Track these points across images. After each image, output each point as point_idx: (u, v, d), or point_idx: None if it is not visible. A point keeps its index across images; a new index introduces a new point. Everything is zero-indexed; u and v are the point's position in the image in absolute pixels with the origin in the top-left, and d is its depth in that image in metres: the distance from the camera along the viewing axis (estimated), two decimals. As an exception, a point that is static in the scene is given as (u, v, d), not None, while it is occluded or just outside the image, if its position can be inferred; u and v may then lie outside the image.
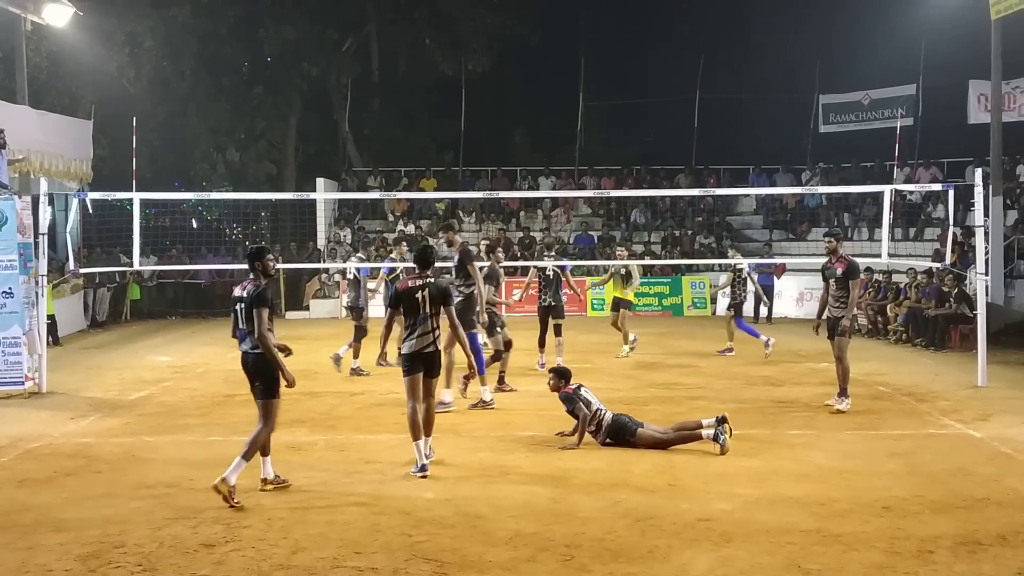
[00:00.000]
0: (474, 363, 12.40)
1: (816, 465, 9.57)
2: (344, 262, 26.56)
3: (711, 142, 32.97)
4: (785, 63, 34.54)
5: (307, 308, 27.35)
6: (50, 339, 19.75)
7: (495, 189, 29.42)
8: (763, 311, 24.46)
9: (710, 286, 26.89)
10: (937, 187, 20.27)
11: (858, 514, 7.93)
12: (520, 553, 7.11)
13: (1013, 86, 25.58)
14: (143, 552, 7.19)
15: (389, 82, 38.67)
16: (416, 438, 9.29)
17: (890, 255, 18.45)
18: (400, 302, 9.49)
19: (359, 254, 18.41)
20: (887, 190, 17.48)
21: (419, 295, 9.35)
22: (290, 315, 26.93)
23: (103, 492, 8.82)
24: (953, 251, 18.61)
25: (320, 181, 30.52)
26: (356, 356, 15.86)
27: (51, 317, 20.19)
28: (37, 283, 14.53)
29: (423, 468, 9.16)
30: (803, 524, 7.67)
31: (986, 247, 16.41)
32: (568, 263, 17.27)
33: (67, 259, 17.33)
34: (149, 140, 27.73)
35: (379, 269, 17.38)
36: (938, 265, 18.60)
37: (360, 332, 16.04)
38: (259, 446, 8.73)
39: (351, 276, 16.67)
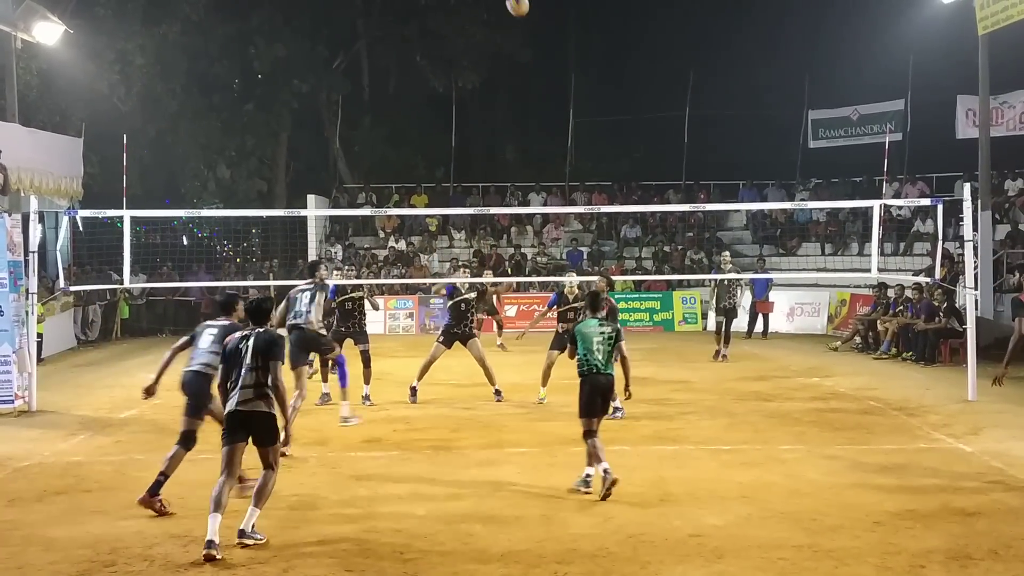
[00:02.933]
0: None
1: (807, 480, 9.58)
2: (337, 279, 26.60)
3: (701, 158, 33.04)
4: (774, 79, 34.66)
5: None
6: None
7: (486, 205, 29.44)
8: (759, 326, 24.52)
9: (701, 301, 26.92)
10: (926, 202, 20.34)
11: (849, 529, 7.94)
12: (512, 570, 7.10)
13: (1001, 101, 25.69)
14: (133, 571, 7.17)
15: (380, 99, 38.73)
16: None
17: (880, 270, 18.50)
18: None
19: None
20: (876, 205, 17.55)
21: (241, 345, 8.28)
22: (281, 332, 26.80)
23: (93, 511, 8.79)
24: (943, 265, 18.65)
25: (311, 198, 30.50)
26: (325, 380, 14.93)
27: (39, 336, 20.23)
28: (27, 300, 14.48)
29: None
30: (795, 539, 7.68)
31: (975, 261, 16.47)
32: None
33: (57, 277, 17.29)
34: (139, 157, 27.67)
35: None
36: (927, 280, 18.65)
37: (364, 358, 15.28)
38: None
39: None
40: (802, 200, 28.67)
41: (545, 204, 31.41)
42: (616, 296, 24.94)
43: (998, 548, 7.44)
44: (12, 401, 13.98)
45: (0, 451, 11.38)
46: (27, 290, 14.46)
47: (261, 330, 8.35)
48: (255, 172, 32.92)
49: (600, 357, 9.44)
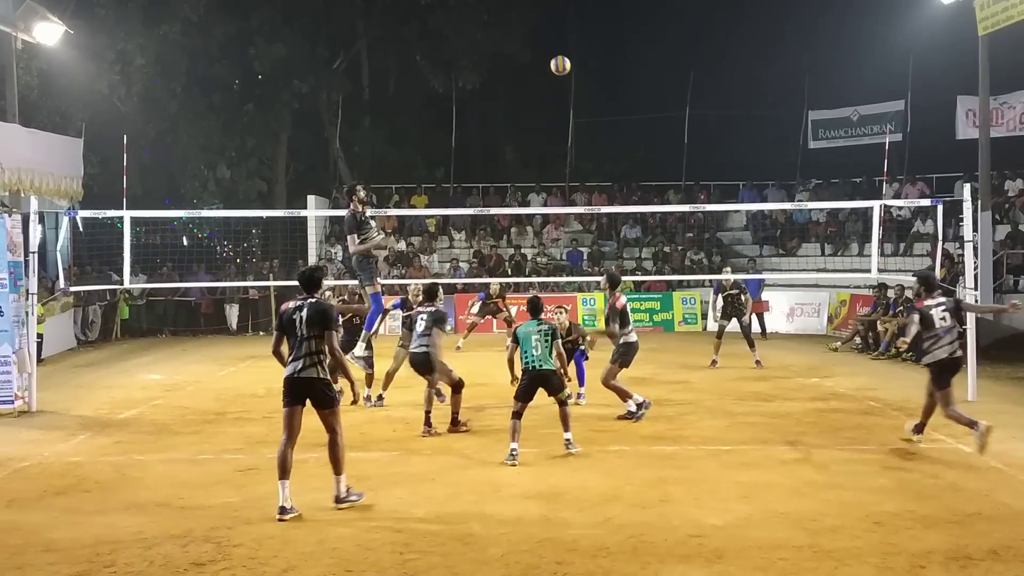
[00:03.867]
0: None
1: (807, 481, 9.58)
2: (335, 279, 26.61)
3: (701, 158, 33.06)
4: (774, 80, 34.69)
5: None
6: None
7: (486, 206, 29.45)
8: (755, 327, 24.50)
9: (701, 302, 26.92)
10: (926, 202, 20.33)
11: (849, 529, 7.94)
12: (512, 571, 7.10)
13: (1001, 102, 25.71)
14: (133, 571, 7.17)
15: (380, 99, 38.74)
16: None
17: (880, 270, 18.49)
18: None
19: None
20: (876, 205, 17.53)
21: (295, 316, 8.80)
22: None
23: (93, 511, 8.78)
24: (943, 266, 18.65)
25: (311, 198, 30.53)
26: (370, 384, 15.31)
27: (39, 336, 20.25)
28: (27, 301, 14.48)
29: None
30: (795, 540, 7.68)
31: (975, 262, 16.47)
32: None
33: (57, 277, 17.28)
34: (140, 158, 27.71)
35: None
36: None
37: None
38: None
39: None
40: (802, 201, 28.68)
41: (545, 204, 31.42)
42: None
43: (998, 548, 7.44)
44: (12, 401, 13.99)
45: (0, 451, 11.38)
46: (27, 290, 14.47)
47: (313, 300, 8.84)
48: (255, 172, 32.92)
49: (538, 353, 10.78)
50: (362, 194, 13.45)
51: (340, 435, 8.82)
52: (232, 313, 27.62)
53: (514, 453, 10.46)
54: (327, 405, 8.78)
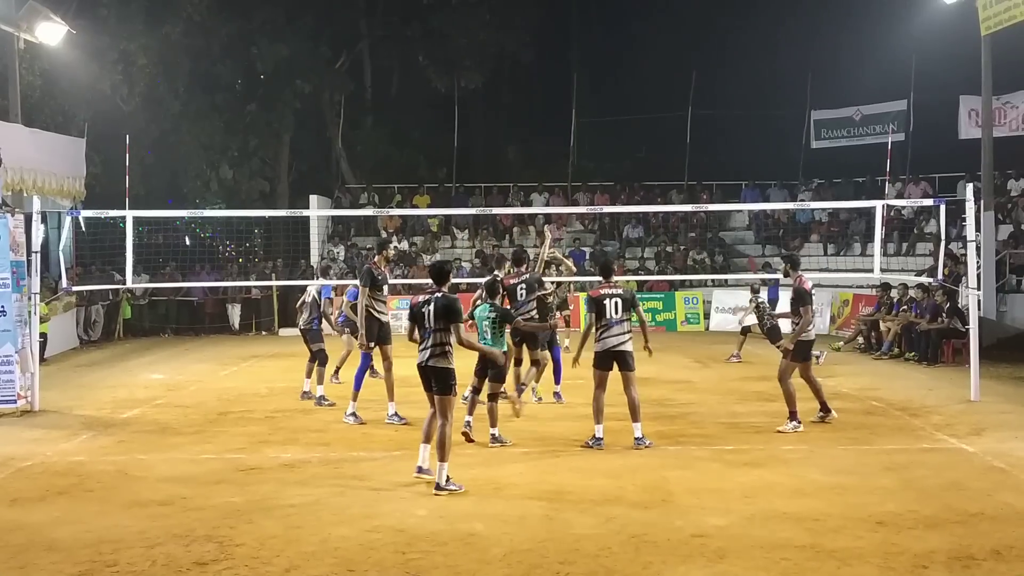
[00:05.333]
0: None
1: (810, 480, 9.57)
2: (338, 279, 26.62)
3: (704, 158, 33.06)
4: (777, 79, 34.69)
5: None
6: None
7: (488, 205, 29.45)
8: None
9: (703, 301, 26.92)
10: (928, 202, 20.32)
11: (852, 529, 7.93)
12: (514, 570, 7.09)
13: (1004, 101, 25.71)
14: (136, 571, 7.17)
15: (382, 99, 38.76)
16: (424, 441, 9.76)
17: (882, 270, 18.48)
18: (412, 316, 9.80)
19: (322, 277, 17.58)
20: (879, 205, 17.52)
21: (424, 309, 9.50)
22: (284, 332, 26.88)
23: (96, 511, 8.79)
24: (945, 266, 18.65)
25: (313, 198, 30.54)
26: (321, 382, 14.79)
27: (43, 335, 20.28)
28: (30, 300, 14.49)
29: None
30: (797, 540, 7.67)
31: (978, 262, 16.46)
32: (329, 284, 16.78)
33: (60, 277, 17.29)
34: (142, 158, 27.72)
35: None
36: (930, 280, 18.63)
37: (321, 356, 14.85)
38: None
39: (310, 299, 15.38)
40: (804, 200, 28.67)
41: (547, 204, 31.42)
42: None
43: (1001, 548, 7.43)
44: (15, 401, 14.00)
45: (3, 451, 11.39)
46: (29, 290, 14.48)
47: (439, 295, 9.49)
48: (257, 172, 32.94)
49: (488, 337, 11.07)
50: (391, 252, 13.32)
51: (449, 424, 9.31)
52: (234, 313, 27.63)
53: (469, 422, 11.49)
54: (445, 392, 9.38)
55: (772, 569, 7.05)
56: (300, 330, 15.32)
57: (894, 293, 20.79)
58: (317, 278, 19.06)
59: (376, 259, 13.28)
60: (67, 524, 8.36)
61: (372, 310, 12.63)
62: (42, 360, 20.08)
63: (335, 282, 17.29)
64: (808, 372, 12.42)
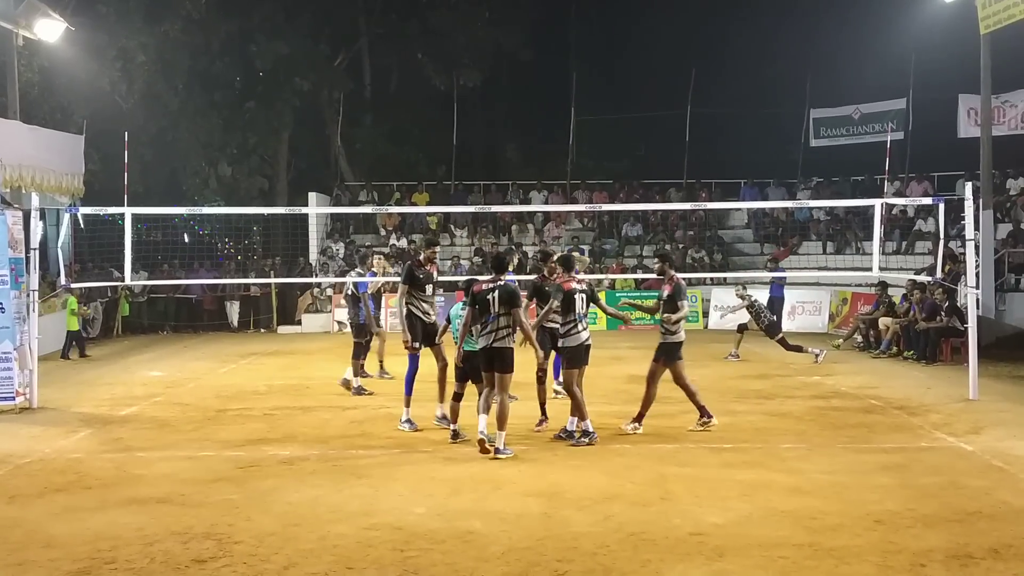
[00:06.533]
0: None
1: (808, 479, 9.57)
2: (337, 277, 26.63)
3: (702, 156, 33.08)
4: (776, 78, 34.74)
5: (299, 322, 27.32)
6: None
7: (487, 203, 29.46)
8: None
9: (702, 300, 26.90)
10: (927, 201, 20.33)
11: (850, 528, 7.93)
12: (512, 568, 7.09)
13: (1003, 100, 25.72)
14: (134, 568, 7.17)
15: (381, 97, 38.76)
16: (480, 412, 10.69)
17: (881, 268, 18.48)
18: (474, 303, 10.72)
19: (358, 269, 17.73)
20: (878, 204, 17.52)
21: (490, 296, 10.56)
22: (282, 329, 26.90)
23: (94, 508, 8.78)
24: (944, 264, 18.64)
25: (312, 196, 30.56)
26: (356, 374, 15.40)
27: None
28: (28, 297, 14.48)
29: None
30: (795, 538, 7.67)
31: (977, 260, 16.46)
32: (366, 280, 16.74)
33: (58, 274, 17.28)
34: (141, 155, 27.71)
35: (378, 284, 17.17)
36: (929, 279, 18.63)
37: (359, 349, 15.61)
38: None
39: (349, 292, 16.08)
40: (803, 199, 28.68)
41: (546, 202, 31.44)
42: (617, 294, 25.12)
43: (999, 547, 7.43)
44: (13, 398, 13.98)
45: (1, 448, 11.39)
46: (28, 287, 14.47)
47: (502, 283, 10.67)
48: (256, 170, 32.96)
49: (458, 336, 11.41)
50: (434, 252, 13.12)
51: (506, 397, 10.64)
52: (233, 310, 27.64)
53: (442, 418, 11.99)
54: (507, 370, 10.60)
55: (770, 567, 7.05)
56: (348, 323, 15.73)
57: (891, 292, 20.71)
58: (337, 274, 19.03)
59: (421, 256, 13.08)
60: (65, 521, 8.35)
61: (414, 309, 12.39)
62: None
63: (335, 279, 17.30)
64: (680, 375, 12.19)
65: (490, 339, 10.55)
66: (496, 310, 10.50)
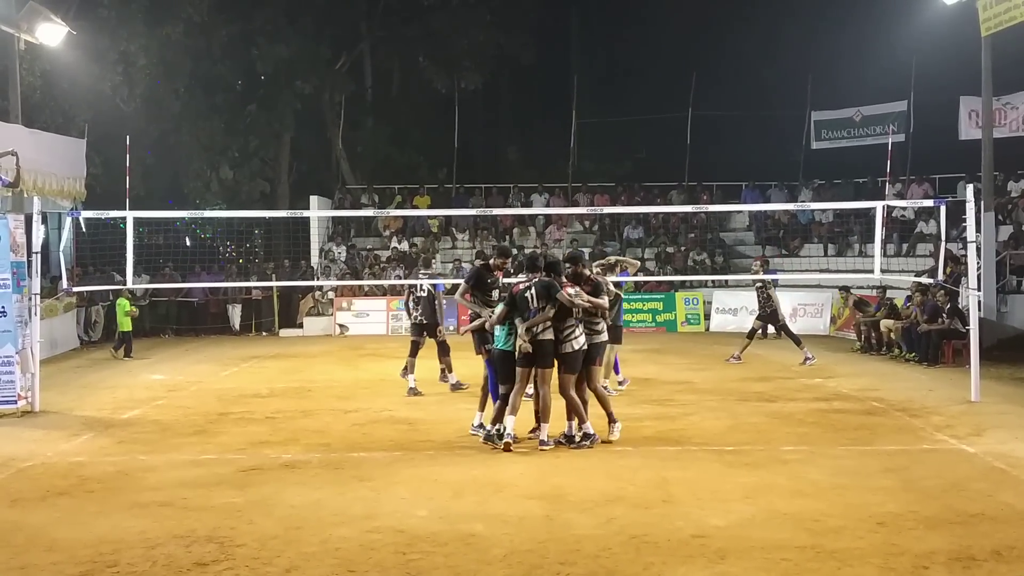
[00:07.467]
0: None
1: (810, 481, 9.56)
2: (338, 279, 26.72)
3: (704, 159, 33.05)
4: (777, 80, 34.72)
5: (301, 326, 27.34)
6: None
7: (489, 206, 29.44)
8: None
9: (704, 302, 26.93)
10: (929, 203, 20.31)
11: (852, 530, 7.93)
12: (514, 571, 7.09)
13: (1004, 102, 25.72)
14: (136, 571, 7.17)
15: (382, 100, 38.78)
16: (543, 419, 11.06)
17: (882, 271, 18.48)
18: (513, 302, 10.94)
19: (427, 270, 17.72)
20: (879, 206, 17.52)
21: (527, 294, 10.82)
22: (284, 332, 26.91)
23: (96, 511, 8.79)
24: (946, 266, 18.64)
25: (313, 199, 30.56)
26: (412, 371, 15.33)
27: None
28: (31, 301, 14.50)
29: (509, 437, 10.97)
30: (797, 540, 7.67)
31: (978, 262, 16.46)
32: (441, 283, 16.82)
33: (60, 277, 17.29)
34: (142, 158, 27.73)
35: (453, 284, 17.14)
36: (930, 280, 18.63)
37: (443, 348, 15.52)
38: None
39: (423, 292, 15.51)
40: (804, 201, 28.67)
41: (548, 205, 31.43)
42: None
43: (1001, 549, 7.42)
44: (15, 401, 13.99)
45: (3, 451, 11.39)
46: (30, 291, 14.48)
47: (536, 280, 10.91)
48: (258, 173, 32.97)
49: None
50: (505, 262, 13.03)
51: (548, 389, 10.93)
52: (235, 313, 27.65)
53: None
54: (547, 365, 10.91)
55: (773, 570, 7.05)
56: (419, 324, 15.58)
57: (890, 294, 20.71)
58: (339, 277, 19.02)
59: (493, 262, 13.02)
60: (68, 524, 8.36)
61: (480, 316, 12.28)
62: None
63: (336, 282, 17.34)
64: (594, 380, 11.54)
65: (530, 334, 10.83)
66: (535, 305, 10.77)
